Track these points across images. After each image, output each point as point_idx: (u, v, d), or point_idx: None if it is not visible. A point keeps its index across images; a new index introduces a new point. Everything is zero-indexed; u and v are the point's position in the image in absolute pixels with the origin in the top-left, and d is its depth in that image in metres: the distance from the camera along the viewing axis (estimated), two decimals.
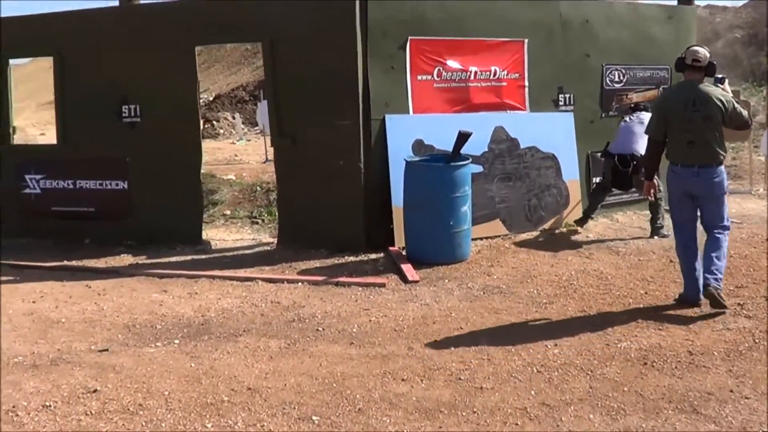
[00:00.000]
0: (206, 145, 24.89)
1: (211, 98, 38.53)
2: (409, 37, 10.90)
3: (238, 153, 22.42)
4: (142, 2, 11.99)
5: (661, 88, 12.80)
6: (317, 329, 7.78)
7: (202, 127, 29.60)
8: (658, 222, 11.21)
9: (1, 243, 11.67)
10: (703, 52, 7.93)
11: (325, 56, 10.60)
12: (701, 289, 8.00)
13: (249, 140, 27.41)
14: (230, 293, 9.19)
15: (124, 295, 9.29)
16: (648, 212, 11.47)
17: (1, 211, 12.23)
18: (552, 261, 10.15)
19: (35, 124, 28.96)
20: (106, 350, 7.40)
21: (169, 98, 11.38)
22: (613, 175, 11.30)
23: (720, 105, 7.79)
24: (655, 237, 11.15)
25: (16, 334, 7.99)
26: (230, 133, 30.35)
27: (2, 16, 12.46)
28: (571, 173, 12.03)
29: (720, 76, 8.32)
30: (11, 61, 12.66)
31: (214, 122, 30.45)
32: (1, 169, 12.29)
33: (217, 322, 8.11)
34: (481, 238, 11.00)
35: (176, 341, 7.59)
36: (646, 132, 8.36)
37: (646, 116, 10.51)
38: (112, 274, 10.25)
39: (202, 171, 12.05)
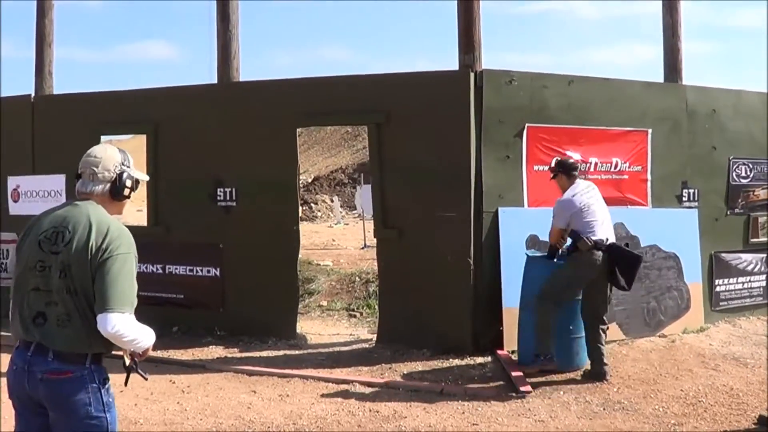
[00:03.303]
0: (303, 228, 24.53)
1: (309, 180, 38.64)
2: (527, 125, 10.24)
3: (336, 237, 21.91)
4: (242, 80, 11.49)
5: None
6: None
7: (300, 209, 29.68)
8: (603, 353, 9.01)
9: None
10: None
11: (436, 143, 10.01)
12: None
13: (347, 224, 27.07)
14: (325, 397, 8.44)
15: (210, 394, 8.62)
16: None
17: None
18: (675, 372, 9.18)
19: (132, 200, 28.92)
20: None
21: (267, 182, 10.86)
22: (616, 273, 8.86)
23: None
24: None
25: None
26: (328, 216, 30.11)
27: (97, 91, 12.17)
28: (693, 275, 11.08)
29: None
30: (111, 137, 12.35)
31: (312, 204, 30.20)
32: None
33: None
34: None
35: None
36: None
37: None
38: (199, 369, 9.64)
39: (299, 256, 11.43)
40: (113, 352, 4.28)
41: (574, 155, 10.39)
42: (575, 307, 9.00)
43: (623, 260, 8.79)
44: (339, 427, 7.48)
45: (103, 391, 4.17)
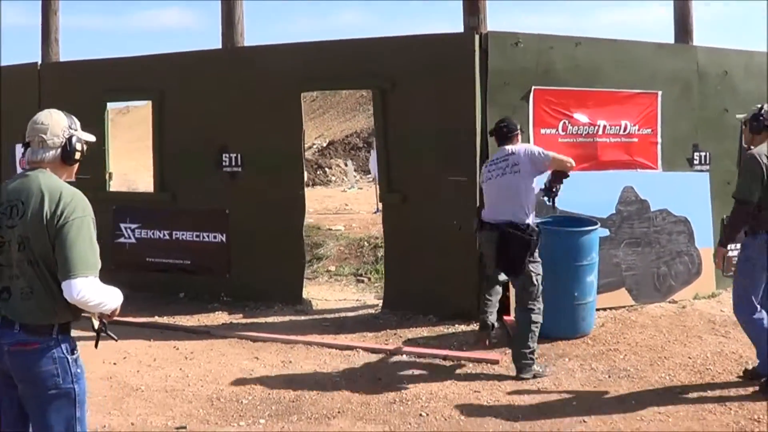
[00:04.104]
0: (317, 192, 24.59)
1: (324, 144, 38.48)
2: (533, 87, 10.07)
3: (349, 202, 21.81)
4: (246, 45, 11.38)
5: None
6: (420, 414, 6.90)
7: (314, 173, 29.56)
8: (531, 349, 7.94)
9: None
10: None
11: (441, 106, 9.86)
12: None
13: (360, 188, 26.96)
14: (327, 364, 8.39)
15: (213, 360, 8.60)
16: None
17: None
18: (684, 339, 9.01)
19: (147, 167, 28.91)
20: (184, 428, 6.72)
21: (272, 148, 10.79)
22: (498, 254, 7.93)
23: None
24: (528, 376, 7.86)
25: (90, 401, 7.22)
26: (342, 180, 29.99)
27: (102, 57, 12.10)
28: (704, 240, 10.88)
29: None
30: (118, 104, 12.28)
31: (326, 169, 30.03)
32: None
33: (309, 400, 7.29)
34: (604, 309, 9.99)
35: (262, 421, 6.86)
36: (739, 194, 7.21)
37: (521, 152, 7.98)
38: (203, 335, 9.62)
39: (310, 221, 11.37)
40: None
41: (582, 118, 10.26)
42: (580, 272, 8.89)
43: (504, 243, 7.84)
44: (340, 395, 7.40)
45: (71, 361, 4.15)
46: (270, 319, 10.25)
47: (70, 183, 4.28)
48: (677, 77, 10.86)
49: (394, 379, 7.82)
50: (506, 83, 9.92)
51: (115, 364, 8.46)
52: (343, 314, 10.54)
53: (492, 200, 8.12)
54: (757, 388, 7.25)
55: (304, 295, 11.06)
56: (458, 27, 10.15)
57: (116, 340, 4.60)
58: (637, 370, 7.96)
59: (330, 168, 30.57)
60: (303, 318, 10.32)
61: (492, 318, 8.00)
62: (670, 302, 10.50)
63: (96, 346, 4.45)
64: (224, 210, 11.19)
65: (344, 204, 21.82)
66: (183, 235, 11.46)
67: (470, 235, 9.74)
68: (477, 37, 9.84)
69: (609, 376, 7.81)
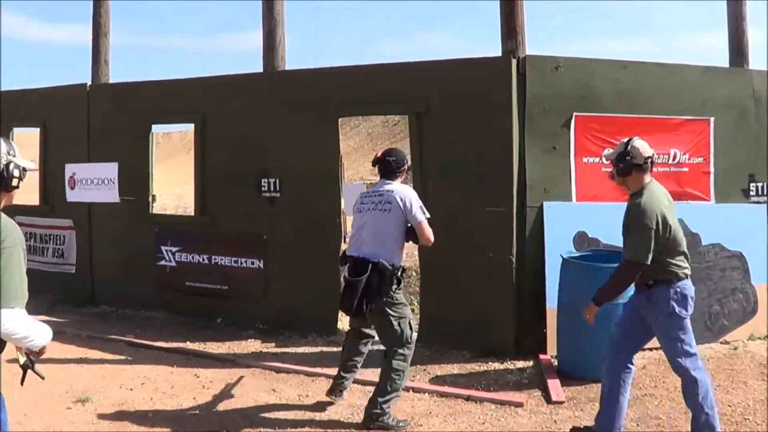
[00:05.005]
0: None
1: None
2: (575, 114, 9.66)
3: None
4: (287, 69, 11.22)
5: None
6: None
7: (342, 202, 29.28)
8: (386, 398, 7.36)
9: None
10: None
11: (477, 133, 9.52)
12: None
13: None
14: (345, 400, 8.05)
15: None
16: None
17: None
18: (728, 384, 8.42)
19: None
20: None
21: (310, 173, 10.59)
22: (343, 291, 7.55)
23: None
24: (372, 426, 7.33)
25: (92, 428, 7.29)
26: None
27: (148, 80, 12.08)
28: (761, 276, 10.27)
29: None
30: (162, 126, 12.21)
31: None
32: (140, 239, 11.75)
33: None
34: (650, 349, 9.46)
35: None
36: (636, 256, 6.55)
37: (398, 194, 7.41)
38: (228, 363, 9.43)
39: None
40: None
41: None
42: (614, 308, 8.42)
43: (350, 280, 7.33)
44: None
45: None
46: (301, 350, 9.99)
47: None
48: (732, 103, 10.29)
49: (409, 420, 7.45)
50: (546, 109, 9.54)
51: (131, 390, 8.40)
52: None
53: (356, 234, 7.58)
54: None
55: (341, 325, 10.77)
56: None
57: (43, 378, 4.46)
58: (670, 419, 7.48)
59: None
60: (335, 349, 9.94)
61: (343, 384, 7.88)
62: (722, 343, 9.91)
63: (22, 383, 4.32)
64: (262, 235, 11.01)
65: None
66: (221, 259, 11.32)
67: (508, 268, 9.42)
68: (514, 61, 9.48)
69: (638, 425, 7.36)
